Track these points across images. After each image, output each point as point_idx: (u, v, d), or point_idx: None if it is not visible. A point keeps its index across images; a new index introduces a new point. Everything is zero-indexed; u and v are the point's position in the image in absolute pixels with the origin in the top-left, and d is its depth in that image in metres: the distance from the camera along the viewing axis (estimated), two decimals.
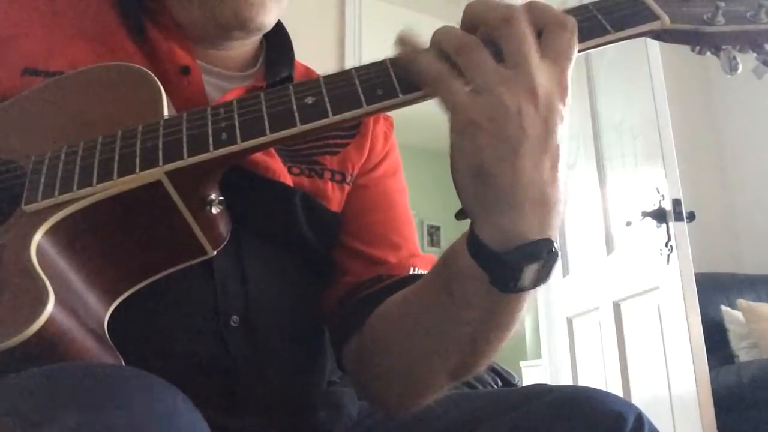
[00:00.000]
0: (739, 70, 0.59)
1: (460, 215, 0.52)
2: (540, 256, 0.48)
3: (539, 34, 0.50)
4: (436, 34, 0.51)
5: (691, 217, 2.22)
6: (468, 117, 0.48)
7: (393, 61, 0.54)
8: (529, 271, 0.49)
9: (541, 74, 0.48)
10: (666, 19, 0.57)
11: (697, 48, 0.60)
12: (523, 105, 0.47)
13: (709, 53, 0.60)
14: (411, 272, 0.73)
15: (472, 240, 0.51)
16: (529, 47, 0.48)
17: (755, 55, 0.60)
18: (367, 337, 0.68)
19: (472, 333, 0.56)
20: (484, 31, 0.50)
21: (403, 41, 0.52)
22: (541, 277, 0.50)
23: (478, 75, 0.48)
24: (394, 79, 0.53)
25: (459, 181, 0.50)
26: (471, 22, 0.51)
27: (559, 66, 0.49)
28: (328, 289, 0.75)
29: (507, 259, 0.48)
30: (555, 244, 0.49)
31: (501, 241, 0.49)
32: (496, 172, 0.47)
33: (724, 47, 0.60)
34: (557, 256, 0.50)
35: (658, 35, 0.58)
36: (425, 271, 0.72)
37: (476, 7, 0.51)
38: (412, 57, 0.51)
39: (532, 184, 0.48)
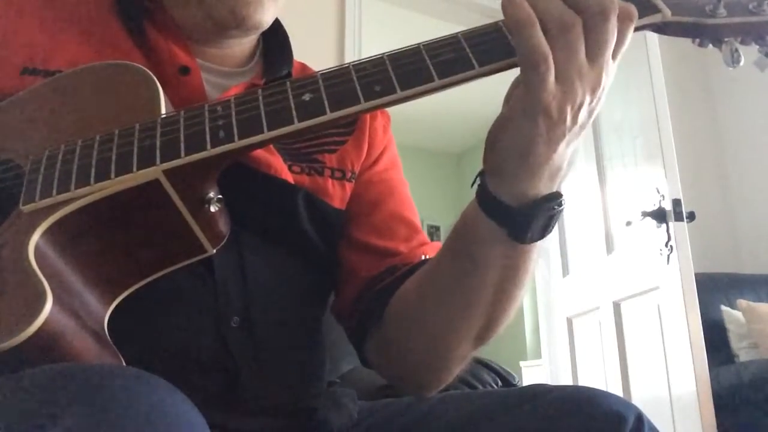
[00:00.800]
0: (742, 63, 0.59)
1: (480, 176, 0.58)
2: (552, 207, 0.55)
3: None
4: (540, 2, 0.51)
5: (691, 217, 2.22)
6: (546, 104, 0.50)
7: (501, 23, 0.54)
8: (541, 220, 0.56)
9: (610, 70, 0.52)
10: (667, 11, 0.56)
11: (698, 40, 0.60)
12: (585, 100, 0.51)
13: (710, 46, 0.60)
14: (423, 259, 0.74)
15: (490, 202, 0.57)
16: (611, 46, 0.51)
17: (758, 47, 0.60)
18: (388, 327, 0.70)
19: (494, 293, 0.62)
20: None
21: (515, 4, 0.51)
22: (551, 225, 0.57)
23: (569, 61, 0.50)
24: (392, 76, 0.53)
25: (499, 155, 0.55)
26: (573, 3, 0.51)
27: (613, 66, 0.53)
28: (342, 290, 0.76)
29: (528, 212, 0.55)
30: (562, 198, 0.56)
31: (519, 200, 0.55)
32: (540, 156, 0.53)
33: (725, 40, 0.59)
34: (563, 206, 0.56)
35: (659, 28, 0.58)
36: None
37: None
38: (524, 24, 0.50)
39: (558, 160, 0.54)
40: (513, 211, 0.55)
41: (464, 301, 0.63)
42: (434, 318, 0.65)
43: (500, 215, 0.56)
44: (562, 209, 0.56)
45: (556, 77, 0.50)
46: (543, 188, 0.55)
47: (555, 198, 0.55)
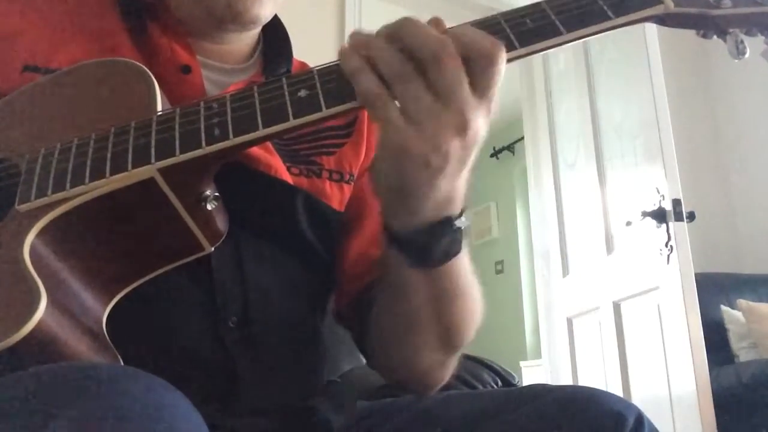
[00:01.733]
0: (747, 55, 0.57)
1: None
2: (445, 231, 0.55)
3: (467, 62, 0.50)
4: (375, 50, 0.51)
5: (691, 217, 2.22)
6: (399, 143, 0.50)
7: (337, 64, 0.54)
8: (441, 245, 0.56)
9: (470, 108, 0.50)
10: (669, 2, 0.55)
11: (702, 32, 0.58)
12: (450, 142, 0.50)
13: (714, 37, 0.58)
14: None
15: (387, 231, 0.57)
16: (457, 85, 0.50)
17: (764, 38, 0.58)
18: (372, 335, 0.71)
19: (433, 309, 0.62)
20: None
21: (345, 57, 0.52)
22: (455, 244, 0.57)
23: (412, 107, 0.50)
24: None
25: (377, 191, 0.56)
26: (408, 52, 0.50)
27: (487, 97, 0.51)
28: (338, 297, 0.77)
29: (419, 242, 0.56)
30: (456, 218, 0.55)
31: (411, 228, 0.55)
32: (416, 192, 0.52)
33: (730, 31, 0.57)
34: (462, 227, 0.56)
35: (662, 19, 0.56)
36: None
37: (408, 39, 0.50)
38: (355, 71, 0.51)
39: (443, 193, 0.53)
40: (407, 240, 0.56)
41: (407, 321, 0.64)
42: (392, 332, 0.67)
43: (397, 244, 0.57)
44: (461, 227, 0.56)
45: (406, 118, 0.50)
46: (432, 216, 0.54)
47: (449, 221, 0.55)
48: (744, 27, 0.57)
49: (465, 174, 0.54)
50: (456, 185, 0.54)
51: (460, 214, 0.56)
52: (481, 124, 0.51)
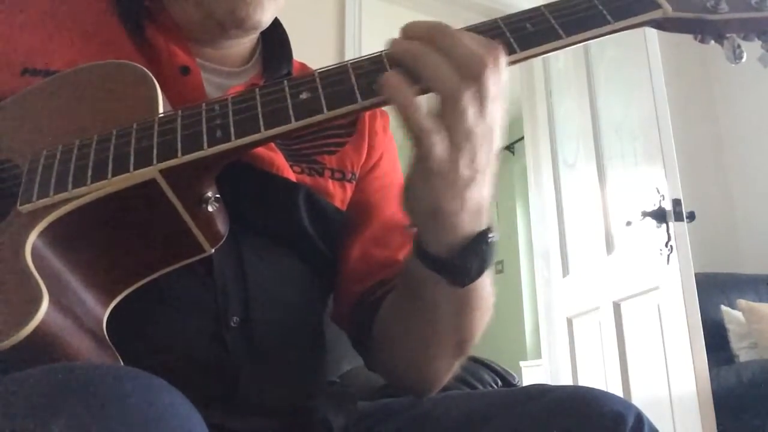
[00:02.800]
0: (744, 59, 0.58)
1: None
2: (480, 249, 0.56)
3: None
4: (428, 69, 0.51)
5: (691, 217, 2.22)
6: (440, 168, 0.51)
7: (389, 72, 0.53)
8: (476, 263, 0.57)
9: (500, 120, 0.52)
10: (668, 7, 0.55)
11: (700, 37, 0.59)
12: (480, 148, 0.52)
13: (712, 42, 0.59)
14: None
15: (422, 253, 0.58)
16: (496, 96, 0.51)
17: (761, 43, 0.58)
18: (376, 338, 0.71)
19: (453, 322, 0.63)
20: None
21: (394, 91, 0.51)
22: (487, 262, 0.58)
23: (460, 127, 0.50)
24: None
25: (413, 217, 0.57)
26: (456, 60, 0.51)
27: (500, 103, 0.53)
28: (338, 300, 0.77)
29: (457, 263, 0.56)
30: (490, 234, 0.56)
31: (447, 250, 0.56)
32: (449, 209, 0.53)
33: (728, 35, 0.58)
34: (494, 243, 0.57)
35: (660, 24, 0.57)
36: None
37: (456, 50, 0.51)
38: (410, 110, 0.50)
39: (473, 204, 0.54)
40: (445, 262, 0.57)
41: (426, 331, 0.65)
42: (406, 338, 0.67)
43: (434, 266, 0.57)
44: (494, 243, 0.57)
45: (449, 142, 0.51)
46: (467, 231, 0.55)
47: (483, 238, 0.56)
48: (741, 32, 0.58)
49: (490, 180, 0.55)
50: (483, 194, 0.55)
51: (490, 229, 0.57)
52: (500, 125, 0.53)
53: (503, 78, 0.52)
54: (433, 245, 0.57)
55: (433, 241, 0.56)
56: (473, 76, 0.50)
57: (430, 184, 0.52)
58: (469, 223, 0.55)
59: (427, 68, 0.51)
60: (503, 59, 0.52)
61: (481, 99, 0.50)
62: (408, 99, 0.50)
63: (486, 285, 0.61)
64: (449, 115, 0.50)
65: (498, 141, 0.54)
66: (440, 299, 0.61)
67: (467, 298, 0.61)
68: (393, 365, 0.73)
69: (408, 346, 0.68)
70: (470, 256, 0.56)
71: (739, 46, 0.58)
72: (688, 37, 0.61)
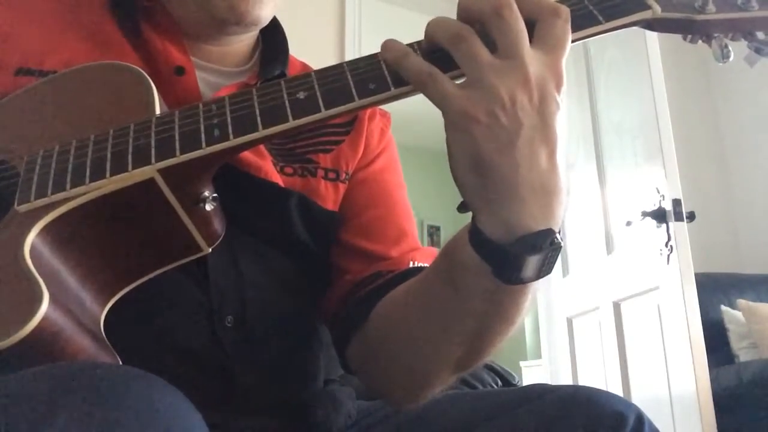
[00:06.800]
0: (731, 59, 0.59)
1: (461, 208, 0.52)
2: (542, 247, 0.48)
3: (533, 24, 0.50)
4: (430, 24, 0.51)
5: (691, 217, 2.22)
6: (461, 110, 0.48)
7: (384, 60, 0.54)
8: (532, 262, 0.49)
9: (535, 64, 0.49)
10: (657, 8, 0.56)
11: (689, 37, 0.60)
12: (517, 95, 0.48)
13: (700, 42, 0.60)
14: (411, 266, 0.72)
15: (474, 232, 0.51)
16: (520, 38, 0.49)
17: (747, 42, 0.60)
18: (370, 334, 0.69)
19: (476, 325, 0.57)
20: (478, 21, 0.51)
21: (387, 47, 0.52)
22: (545, 268, 0.50)
23: (471, 66, 0.49)
24: (386, 73, 0.53)
25: (458, 175, 0.50)
26: (465, 14, 0.51)
27: (554, 55, 0.50)
28: (328, 291, 0.75)
29: (509, 251, 0.49)
30: (558, 235, 0.49)
31: (503, 233, 0.49)
32: (495, 163, 0.48)
33: (715, 35, 0.59)
34: (560, 247, 0.49)
35: (649, 24, 0.57)
36: (425, 264, 0.71)
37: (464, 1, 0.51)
38: (399, 59, 0.51)
39: (531, 174, 0.48)
40: (498, 248, 0.49)
41: (444, 325, 0.59)
42: (414, 334, 0.63)
43: (485, 251, 0.51)
44: (558, 247, 0.49)
45: (465, 84, 0.49)
46: (531, 219, 0.48)
47: (548, 234, 0.48)
48: (728, 32, 0.59)
49: (556, 162, 0.49)
50: (551, 176, 0.49)
51: (558, 231, 0.50)
52: (548, 79, 0.49)
53: (539, 22, 0.50)
54: (490, 227, 0.50)
55: (491, 223, 0.49)
56: (477, 16, 0.50)
57: (464, 132, 0.48)
58: (538, 215, 0.49)
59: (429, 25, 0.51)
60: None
61: (496, 36, 0.49)
62: (394, 48, 0.51)
63: (527, 294, 0.55)
64: (454, 48, 0.50)
65: (543, 89, 0.49)
66: (475, 293, 0.54)
67: (503, 302, 0.54)
68: (381, 365, 0.68)
69: (411, 343, 0.63)
70: (527, 249, 0.48)
71: (726, 46, 0.59)
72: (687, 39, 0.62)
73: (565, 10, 0.51)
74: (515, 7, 0.49)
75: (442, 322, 0.59)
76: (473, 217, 0.52)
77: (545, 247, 0.48)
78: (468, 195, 0.51)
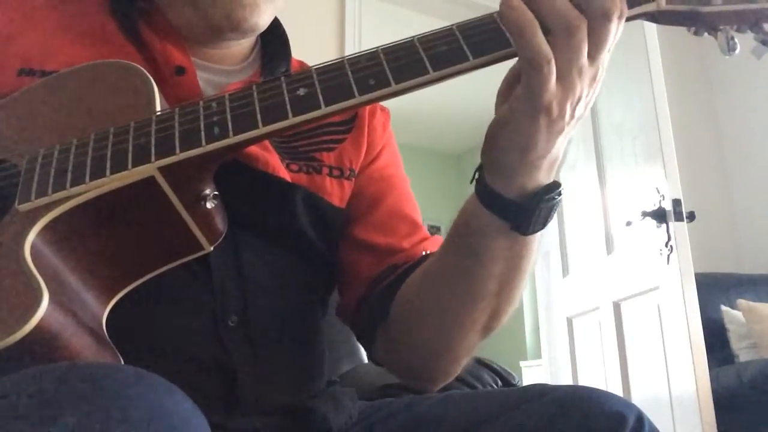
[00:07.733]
0: (737, 51, 0.59)
1: (476, 180, 0.60)
2: (552, 197, 0.57)
3: None
4: (543, 5, 0.51)
5: (691, 217, 2.22)
6: (548, 103, 0.51)
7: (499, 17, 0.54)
8: (545, 210, 0.58)
9: (603, 67, 0.54)
10: (661, 0, 0.56)
11: (694, 29, 0.60)
12: (584, 95, 0.54)
13: (706, 34, 0.60)
14: (423, 255, 0.74)
15: (492, 198, 0.58)
16: (610, 45, 0.53)
17: (753, 35, 0.59)
18: (394, 323, 0.71)
19: (498, 284, 0.63)
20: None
21: (514, 6, 0.52)
22: (551, 214, 0.59)
23: (571, 60, 0.51)
24: (386, 69, 0.53)
25: (499, 152, 0.56)
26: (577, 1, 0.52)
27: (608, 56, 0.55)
28: (345, 292, 0.76)
29: (528, 206, 0.57)
30: (558, 187, 0.58)
31: (519, 193, 0.57)
32: (539, 148, 0.54)
33: (721, 27, 0.59)
34: (560, 199, 0.58)
35: (654, 17, 0.58)
36: None
37: None
38: (525, 26, 0.51)
39: (555, 152, 0.56)
40: (514, 205, 0.57)
41: (469, 296, 0.64)
42: (439, 313, 0.67)
43: (502, 209, 0.58)
44: (561, 198, 0.58)
45: (558, 77, 0.51)
46: (542, 180, 0.57)
47: (554, 188, 0.57)
48: (734, 24, 0.58)
49: (571, 134, 0.57)
50: (563, 145, 0.57)
51: (559, 184, 0.58)
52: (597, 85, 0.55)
53: (618, 31, 0.53)
54: (504, 187, 0.57)
55: (506, 184, 0.57)
56: (589, 10, 0.51)
57: (534, 120, 0.52)
58: (545, 173, 0.57)
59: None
60: (624, 11, 0.53)
61: (596, 39, 0.52)
62: (528, 18, 0.51)
63: (536, 241, 0.63)
64: (565, 48, 0.51)
65: (595, 93, 0.55)
66: (496, 251, 0.61)
67: (521, 253, 0.62)
68: (409, 352, 0.72)
69: (436, 323, 0.67)
70: (539, 204, 0.57)
71: (732, 38, 0.59)
72: (687, 37, 0.62)
73: (623, 18, 0.53)
74: (618, 13, 0.52)
75: (467, 291, 0.64)
76: (489, 185, 0.58)
77: (555, 196, 0.57)
78: (496, 164, 0.57)
